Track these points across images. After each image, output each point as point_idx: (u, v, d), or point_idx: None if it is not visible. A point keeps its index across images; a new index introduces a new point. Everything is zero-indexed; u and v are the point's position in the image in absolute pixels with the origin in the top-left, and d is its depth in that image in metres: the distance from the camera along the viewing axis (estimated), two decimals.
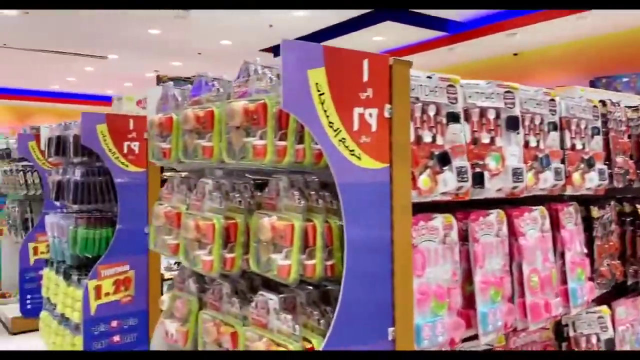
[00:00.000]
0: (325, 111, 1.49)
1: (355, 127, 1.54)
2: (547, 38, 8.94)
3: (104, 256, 3.21)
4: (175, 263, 3.53)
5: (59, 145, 3.47)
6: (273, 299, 1.57)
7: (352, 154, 1.53)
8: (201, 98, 1.85)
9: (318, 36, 8.81)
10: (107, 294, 3.20)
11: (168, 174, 3.51)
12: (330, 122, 1.49)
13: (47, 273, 3.70)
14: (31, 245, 4.88)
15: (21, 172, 4.89)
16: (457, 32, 8.97)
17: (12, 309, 5.03)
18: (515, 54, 10.04)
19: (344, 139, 1.52)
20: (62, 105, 14.77)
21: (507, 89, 2.01)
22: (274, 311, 1.56)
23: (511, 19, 8.20)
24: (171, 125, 1.97)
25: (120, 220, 3.27)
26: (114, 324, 3.24)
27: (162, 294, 3.46)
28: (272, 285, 1.87)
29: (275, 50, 9.79)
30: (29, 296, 4.86)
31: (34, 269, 4.89)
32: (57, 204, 3.63)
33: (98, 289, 3.17)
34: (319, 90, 1.48)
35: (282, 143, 1.51)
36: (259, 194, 1.85)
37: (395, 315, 1.62)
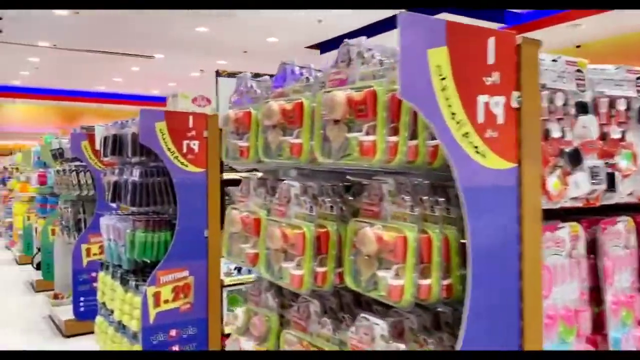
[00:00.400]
0: (446, 99, 1.24)
1: (480, 119, 1.29)
2: (612, 29, 8.39)
3: (162, 261, 3.05)
4: (236, 269, 3.35)
5: (115, 144, 3.34)
6: (380, 324, 1.33)
7: (477, 152, 1.28)
8: (286, 89, 1.63)
9: (368, 30, 8.54)
10: (166, 301, 3.04)
11: (230, 175, 3.34)
12: (452, 113, 1.25)
13: (102, 277, 3.59)
14: (84, 246, 4.82)
15: (74, 172, 4.84)
16: (515, 24, 8.52)
17: (65, 311, 4.99)
18: (577, 46, 9.49)
19: (467, 133, 1.27)
20: (107, 106, 15.01)
21: (639, 75, 1.71)
22: (382, 338, 1.33)
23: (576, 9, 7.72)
24: (249, 120, 1.77)
25: (179, 223, 3.10)
26: (173, 332, 3.08)
27: (221, 301, 3.28)
28: (363, 304, 1.64)
29: (322, 46, 9.59)
30: (82, 298, 4.80)
31: (87, 270, 4.83)
32: (114, 205, 3.50)
33: (157, 295, 3.01)
34: (440, 74, 1.23)
35: (394, 139, 1.27)
36: (349, 198, 1.62)
37: (522, 343, 1.36)
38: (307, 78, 1.55)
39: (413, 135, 1.31)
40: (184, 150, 3.15)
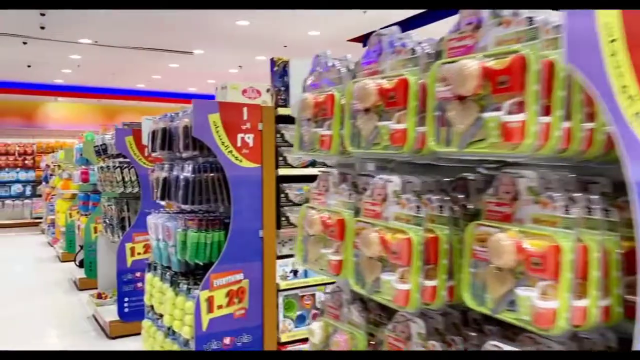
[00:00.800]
0: (617, 68, 0.96)
1: None
2: None
3: (216, 263, 2.84)
4: (292, 271, 3.11)
5: (165, 138, 3.15)
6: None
7: None
8: (383, 65, 1.36)
9: (415, 21, 8.21)
10: (219, 307, 2.83)
11: (284, 171, 3.10)
12: (623, 86, 0.96)
13: (150, 279, 3.41)
14: (128, 245, 4.67)
15: (118, 169, 4.70)
16: None
17: (109, 312, 4.87)
18: None
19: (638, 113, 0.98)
20: (146, 104, 15.06)
21: None
22: None
23: None
24: (332, 105, 1.51)
25: (233, 222, 2.89)
26: (227, 340, 2.87)
27: (277, 307, 3.05)
28: (470, 322, 1.36)
29: (365, 39, 9.28)
30: (126, 299, 4.66)
31: (132, 270, 4.69)
32: (163, 203, 3.32)
33: (210, 300, 2.80)
34: (610, 36, 0.95)
35: (545, 120, 0.99)
36: (459, 196, 1.35)
37: None
38: (412, 50, 1.27)
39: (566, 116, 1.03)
40: (239, 144, 2.93)
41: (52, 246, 9.60)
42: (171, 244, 3.03)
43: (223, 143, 2.88)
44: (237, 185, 2.90)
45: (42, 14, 7.53)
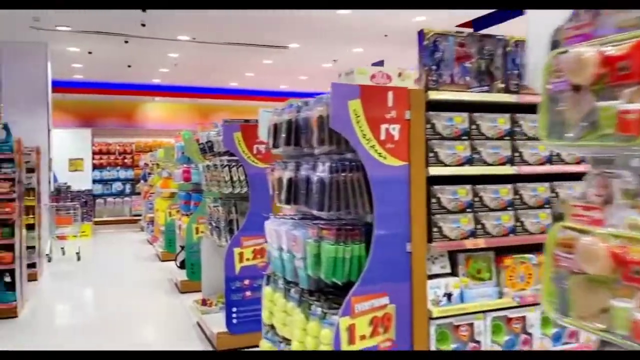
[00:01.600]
0: None
1: None
2: None
3: (358, 283, 2.32)
4: (445, 295, 2.54)
5: (291, 132, 2.69)
6: None
7: None
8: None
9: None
10: (362, 337, 2.32)
11: (436, 170, 2.53)
12: None
13: (269, 293, 2.97)
14: (236, 250, 4.32)
15: (226, 168, 4.36)
16: None
17: (216, 321, 4.55)
18: None
19: None
20: (239, 102, 15.07)
21: None
22: None
23: None
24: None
25: (376, 233, 2.37)
26: None
27: (429, 338, 2.49)
28: None
29: (476, 23, 8.48)
30: (235, 309, 4.31)
31: (240, 277, 4.33)
32: (288, 207, 2.86)
33: (351, 329, 2.29)
34: None
35: None
36: None
37: None
38: None
39: None
40: (382, 136, 2.40)
41: (151, 244, 9.71)
42: (299, 257, 2.56)
43: (365, 136, 2.36)
44: (381, 187, 2.37)
45: (144, 11, 7.47)
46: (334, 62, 11.66)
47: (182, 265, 6.70)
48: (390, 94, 2.43)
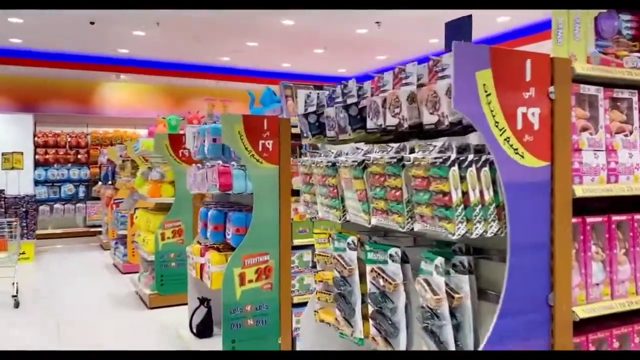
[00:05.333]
0: None
1: None
2: None
3: None
4: None
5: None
6: None
7: None
8: None
9: None
10: None
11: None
12: None
13: None
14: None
15: (472, 167, 4.03)
16: None
17: None
18: None
19: None
20: (230, 85, 14.83)
21: None
22: None
23: None
24: None
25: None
26: None
27: None
28: None
29: None
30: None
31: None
32: None
33: None
34: None
35: None
36: None
37: None
38: None
39: None
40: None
41: (122, 273, 9.10)
42: None
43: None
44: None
45: None
46: (377, 24, 10.97)
47: (201, 332, 5.44)
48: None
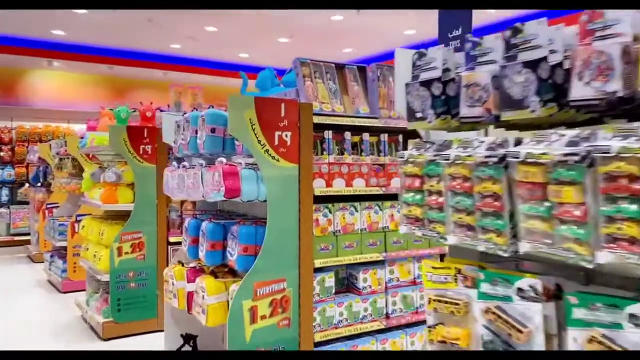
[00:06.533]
0: None
1: None
2: None
3: None
4: None
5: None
6: None
7: None
8: None
9: None
10: None
11: None
12: None
13: None
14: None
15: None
16: None
17: None
18: None
19: None
20: (181, 75, 13.76)
21: None
22: None
23: None
24: None
25: None
26: None
27: None
28: None
29: None
30: None
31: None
32: None
33: None
34: None
35: None
36: None
37: None
38: None
39: None
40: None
41: (61, 292, 7.75)
42: None
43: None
44: None
45: None
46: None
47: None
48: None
